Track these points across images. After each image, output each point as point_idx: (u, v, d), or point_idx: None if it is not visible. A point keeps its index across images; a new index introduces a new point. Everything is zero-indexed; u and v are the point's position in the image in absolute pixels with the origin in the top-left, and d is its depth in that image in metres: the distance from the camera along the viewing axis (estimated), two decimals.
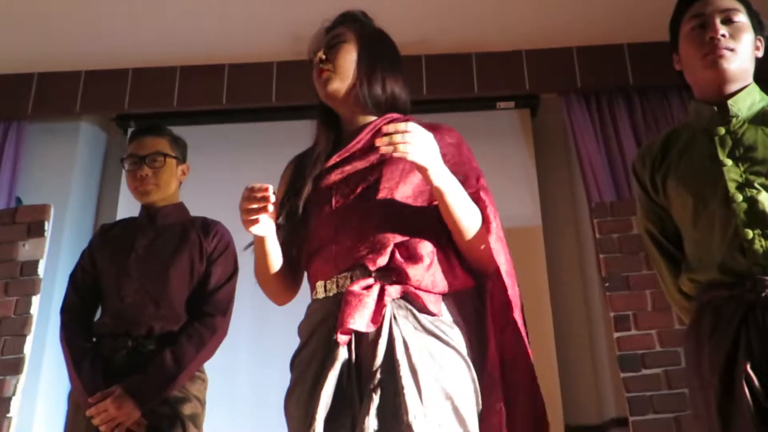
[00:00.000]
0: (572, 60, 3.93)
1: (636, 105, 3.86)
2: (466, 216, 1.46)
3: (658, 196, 1.77)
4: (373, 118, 1.60)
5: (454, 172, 1.49)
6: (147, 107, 4.01)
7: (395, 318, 1.39)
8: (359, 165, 1.55)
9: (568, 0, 3.60)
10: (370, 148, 1.54)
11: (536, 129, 4.08)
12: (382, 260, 1.43)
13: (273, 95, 3.97)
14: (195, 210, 2.42)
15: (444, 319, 1.44)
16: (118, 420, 1.95)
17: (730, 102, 1.67)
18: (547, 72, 3.94)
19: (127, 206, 3.79)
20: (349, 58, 1.59)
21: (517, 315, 1.47)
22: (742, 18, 1.70)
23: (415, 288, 1.42)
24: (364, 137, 1.57)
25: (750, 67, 1.71)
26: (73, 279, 2.27)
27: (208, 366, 2.23)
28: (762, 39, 1.75)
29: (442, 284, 1.46)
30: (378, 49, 1.64)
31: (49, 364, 3.59)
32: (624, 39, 3.88)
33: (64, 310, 2.21)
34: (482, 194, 1.51)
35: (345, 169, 1.55)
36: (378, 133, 1.54)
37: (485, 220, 1.48)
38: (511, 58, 3.96)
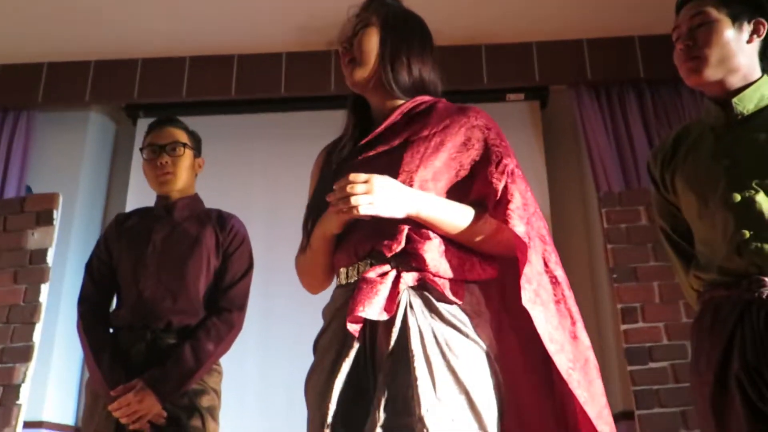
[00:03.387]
0: (583, 52, 3.92)
1: (647, 97, 3.84)
2: (456, 226, 1.41)
3: (669, 194, 1.77)
4: (401, 101, 1.55)
5: (479, 154, 1.46)
6: (156, 97, 4.02)
7: (412, 306, 1.34)
8: (381, 149, 1.50)
9: None
10: (395, 131, 1.51)
11: (546, 121, 4.06)
12: (398, 245, 1.38)
13: (282, 86, 3.98)
14: (204, 200, 2.43)
15: (465, 308, 1.38)
16: (141, 413, 1.98)
17: (734, 100, 1.65)
18: (557, 64, 3.92)
19: (137, 195, 3.81)
20: (370, 44, 1.54)
21: (528, 302, 1.33)
22: (711, 17, 1.64)
23: (433, 275, 1.37)
24: (390, 121, 1.52)
25: (745, 61, 1.65)
26: (89, 269, 2.28)
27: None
28: (760, 20, 1.66)
29: (460, 270, 1.40)
30: (403, 32, 1.57)
31: (59, 352, 3.62)
32: (635, 31, 3.85)
33: (82, 300, 2.22)
34: (495, 180, 1.41)
35: (368, 154, 1.51)
36: (405, 116, 1.52)
37: (500, 207, 1.39)
38: (521, 49, 3.94)
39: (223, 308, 2.18)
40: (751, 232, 1.54)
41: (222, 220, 2.30)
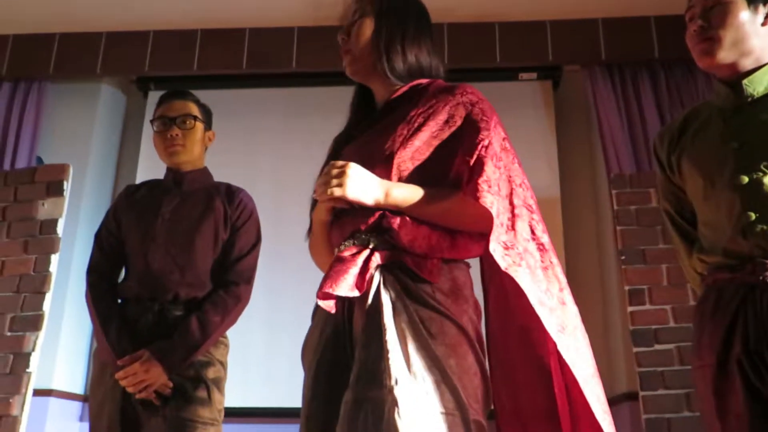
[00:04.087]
0: (597, 31, 3.87)
1: (660, 78, 3.80)
2: (428, 209, 1.40)
3: (674, 176, 1.76)
4: (399, 86, 1.56)
5: (459, 130, 1.45)
6: (167, 70, 4.02)
7: (386, 284, 1.36)
8: (370, 133, 1.54)
9: None
10: (386, 114, 1.54)
11: (558, 101, 4.04)
12: (373, 219, 1.40)
13: (293, 61, 3.96)
14: (213, 173, 2.43)
15: (441, 286, 1.38)
16: (147, 382, 2.00)
17: (745, 82, 1.63)
18: (571, 43, 3.88)
19: (147, 167, 3.82)
20: (364, 35, 1.57)
21: (511, 266, 1.31)
22: None
23: (408, 253, 1.38)
24: (385, 108, 1.57)
25: (759, 44, 1.63)
26: (99, 239, 2.29)
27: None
28: None
29: (438, 248, 1.41)
30: (397, 19, 1.58)
31: (69, 322, 3.67)
32: (650, 11, 3.80)
33: (90, 270, 2.24)
34: (467, 156, 1.40)
35: (360, 139, 1.55)
36: (402, 100, 1.53)
37: (471, 182, 1.37)
38: (534, 28, 3.91)
39: (231, 281, 2.19)
40: (757, 215, 1.53)
41: (231, 194, 2.31)
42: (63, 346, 3.64)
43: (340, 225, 1.49)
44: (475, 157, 1.39)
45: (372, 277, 1.36)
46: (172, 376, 2.03)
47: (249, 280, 2.23)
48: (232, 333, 2.25)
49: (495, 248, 1.31)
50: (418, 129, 1.46)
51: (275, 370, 3.58)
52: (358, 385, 1.28)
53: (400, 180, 1.43)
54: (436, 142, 1.45)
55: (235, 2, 3.81)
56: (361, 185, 1.38)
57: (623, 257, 3.29)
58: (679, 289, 3.16)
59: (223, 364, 2.19)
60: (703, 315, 1.62)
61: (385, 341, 1.29)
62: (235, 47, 3.98)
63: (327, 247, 1.55)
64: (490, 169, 1.38)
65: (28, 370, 3.10)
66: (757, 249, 1.53)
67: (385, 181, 1.41)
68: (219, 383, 2.14)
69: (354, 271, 1.35)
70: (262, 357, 3.62)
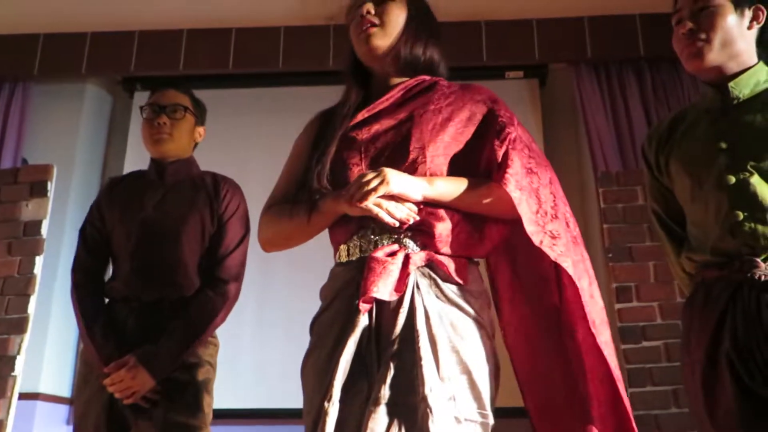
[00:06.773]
0: (583, 30, 3.89)
1: (646, 76, 3.83)
2: (468, 200, 1.44)
3: (662, 177, 1.78)
4: (404, 78, 1.57)
5: (484, 126, 1.50)
6: (153, 70, 3.99)
7: (418, 286, 1.37)
8: (387, 123, 1.52)
9: None
10: (399, 106, 1.54)
11: (544, 99, 4.05)
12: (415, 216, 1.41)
13: (280, 61, 3.95)
14: None
15: (470, 288, 1.42)
16: (134, 389, 1.95)
17: (731, 84, 1.66)
18: (557, 42, 3.90)
19: (134, 168, 3.75)
20: (399, 17, 1.56)
21: (559, 256, 1.38)
22: (714, 1, 1.64)
23: (440, 254, 1.40)
24: (394, 95, 1.54)
25: (745, 47, 1.66)
26: (83, 235, 2.22)
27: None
28: (759, 7, 1.67)
29: (467, 247, 1.44)
30: (425, 15, 1.63)
31: (55, 324, 3.64)
32: (636, 9, 3.83)
33: (75, 269, 2.18)
34: (497, 148, 1.46)
35: (373, 127, 1.52)
36: (408, 92, 1.54)
37: (500, 173, 1.43)
38: (521, 26, 3.92)
39: (219, 279, 2.12)
40: (745, 213, 1.55)
41: (216, 184, 2.23)
42: (49, 350, 3.61)
43: (353, 219, 1.45)
44: (504, 149, 1.45)
45: (408, 280, 1.36)
46: (160, 380, 1.99)
47: (237, 277, 2.16)
48: (221, 332, 2.22)
49: (543, 239, 1.38)
50: (444, 124, 1.49)
51: (265, 367, 3.56)
52: (392, 389, 1.28)
53: (432, 174, 1.44)
54: (462, 138, 1.49)
55: (221, 2, 3.80)
56: (408, 183, 1.39)
57: (610, 255, 3.31)
58: (666, 286, 3.18)
59: (212, 365, 2.14)
60: (692, 312, 1.63)
61: (419, 347, 1.30)
62: (222, 47, 3.97)
63: (311, 236, 1.54)
64: (517, 163, 1.44)
65: (13, 374, 3.07)
66: (745, 247, 1.55)
67: (425, 178, 1.42)
68: (208, 384, 2.10)
69: (396, 274, 1.35)
70: (252, 357, 3.60)
